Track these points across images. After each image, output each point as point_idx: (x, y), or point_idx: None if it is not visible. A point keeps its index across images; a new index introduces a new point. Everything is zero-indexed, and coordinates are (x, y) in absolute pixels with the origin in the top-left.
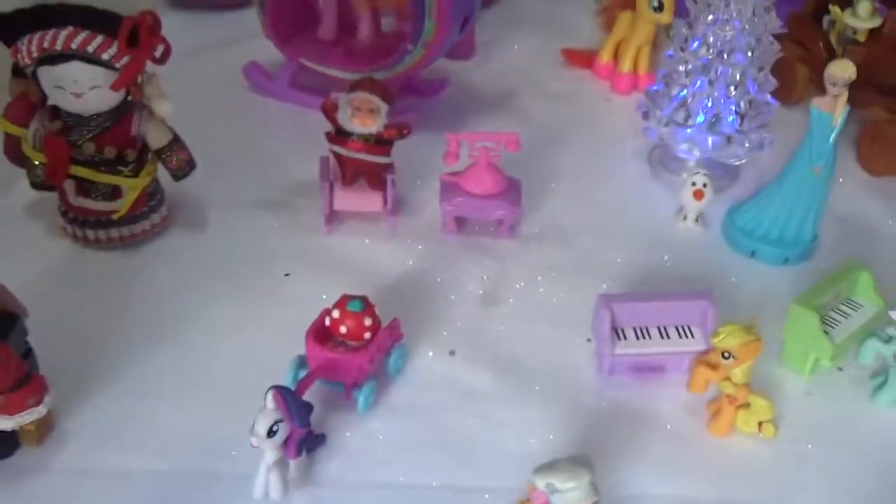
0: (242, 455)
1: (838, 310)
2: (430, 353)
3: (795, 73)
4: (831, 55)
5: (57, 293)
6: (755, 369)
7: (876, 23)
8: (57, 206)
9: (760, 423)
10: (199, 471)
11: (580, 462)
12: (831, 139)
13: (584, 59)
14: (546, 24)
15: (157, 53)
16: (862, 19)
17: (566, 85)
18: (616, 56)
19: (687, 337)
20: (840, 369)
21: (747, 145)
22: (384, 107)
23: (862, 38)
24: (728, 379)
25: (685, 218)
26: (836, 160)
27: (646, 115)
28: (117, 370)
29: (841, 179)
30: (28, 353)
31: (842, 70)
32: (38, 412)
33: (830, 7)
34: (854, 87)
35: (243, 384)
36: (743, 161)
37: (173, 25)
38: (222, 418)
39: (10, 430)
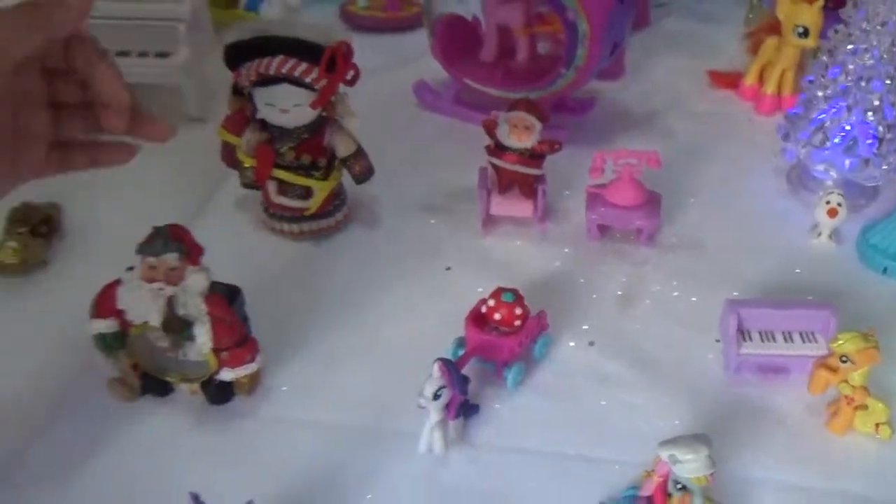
0: (409, 417)
1: None
2: (572, 343)
3: None
4: None
5: (258, 276)
6: (880, 378)
7: None
8: (259, 203)
9: (877, 425)
10: (373, 426)
11: (700, 438)
12: None
13: (729, 80)
14: (694, 46)
15: (349, 77)
16: None
17: (711, 105)
18: (761, 79)
19: (810, 342)
20: None
21: (884, 167)
22: (538, 125)
23: None
24: (846, 381)
25: (819, 234)
26: None
27: (785, 137)
28: (308, 341)
29: None
30: (245, 320)
31: None
32: (252, 368)
33: None
34: None
35: (410, 359)
36: (879, 183)
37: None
38: (393, 385)
39: (229, 380)
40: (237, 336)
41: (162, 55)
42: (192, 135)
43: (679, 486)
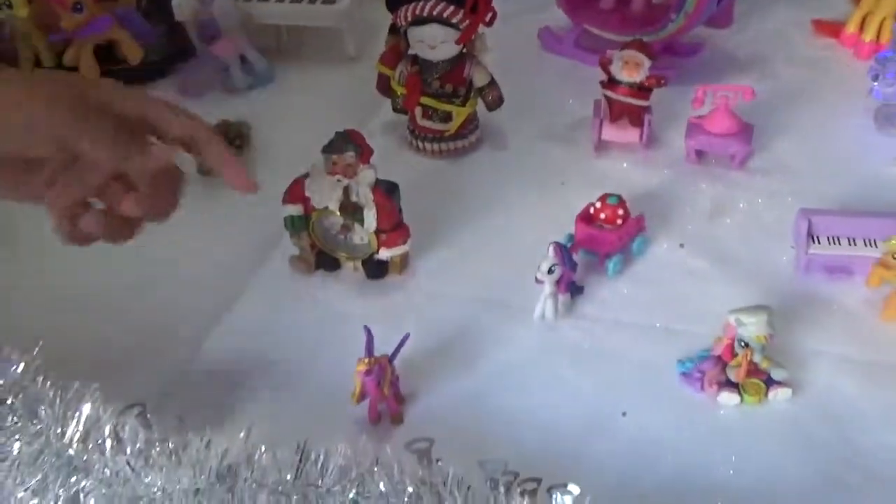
0: (528, 293)
1: None
2: (665, 244)
3: None
4: None
5: (404, 187)
6: None
7: None
8: (406, 126)
9: None
10: (499, 299)
11: (761, 307)
12: None
13: (832, 29)
14: None
15: (488, 18)
16: None
17: (813, 52)
18: (862, 27)
19: (871, 247)
20: None
21: None
22: (647, 62)
23: None
24: None
25: None
26: None
27: (875, 78)
28: (446, 235)
29: None
30: (400, 210)
31: None
32: (403, 249)
33: None
34: None
35: (530, 248)
36: None
37: None
38: (516, 267)
39: (385, 259)
40: (395, 221)
41: (328, 2)
42: (350, 72)
43: (743, 343)
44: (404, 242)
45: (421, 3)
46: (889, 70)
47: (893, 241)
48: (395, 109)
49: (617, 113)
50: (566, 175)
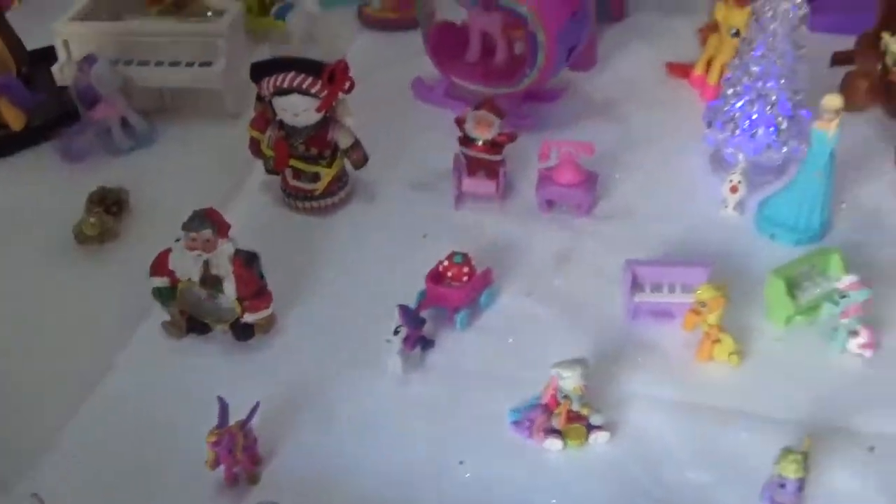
0: (385, 348)
1: (812, 280)
2: (513, 295)
3: (858, 87)
4: (886, 73)
5: (279, 242)
6: (744, 320)
7: None
8: (279, 185)
9: (730, 354)
10: (357, 355)
11: (577, 360)
12: (827, 153)
13: (683, 70)
14: (661, 38)
15: (346, 87)
16: None
17: (664, 93)
18: (707, 69)
19: (689, 292)
20: (810, 324)
21: (784, 150)
22: (497, 120)
23: None
24: (705, 321)
25: (726, 206)
26: (835, 166)
27: (708, 125)
28: (313, 292)
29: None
30: (262, 276)
31: (831, 102)
32: (266, 313)
33: (883, 34)
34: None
35: (388, 305)
36: (779, 164)
37: (365, 43)
38: (373, 324)
39: (251, 322)
40: (255, 289)
41: (205, 64)
42: (230, 129)
43: (563, 394)
44: (267, 307)
45: (282, 76)
46: (718, 119)
47: (699, 291)
48: (267, 171)
49: (474, 167)
50: (429, 227)
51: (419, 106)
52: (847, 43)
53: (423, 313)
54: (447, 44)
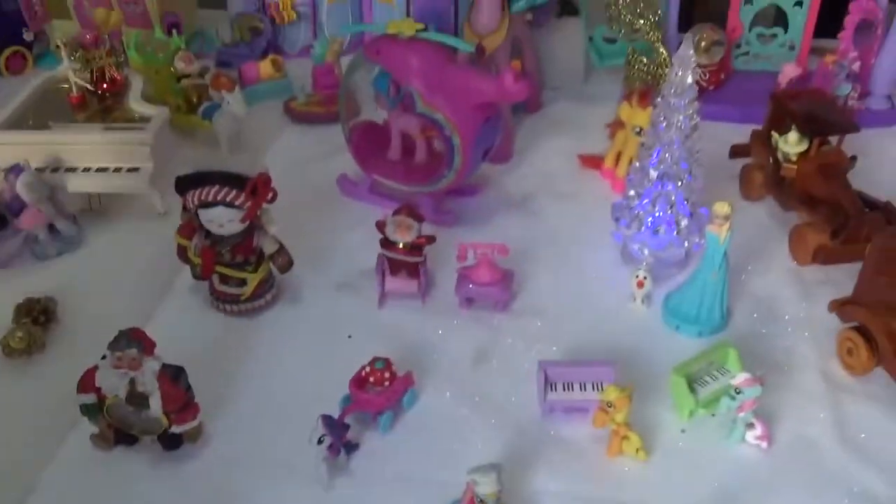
0: (307, 455)
1: (711, 374)
2: (434, 394)
3: (754, 178)
4: (776, 167)
5: (207, 344)
6: (652, 412)
7: (802, 148)
8: (208, 289)
9: (637, 450)
10: (283, 461)
11: (492, 466)
12: (721, 254)
13: (594, 162)
14: (574, 128)
15: (269, 197)
16: (791, 145)
17: (576, 186)
18: (616, 162)
19: (598, 390)
20: (713, 415)
21: (685, 246)
22: (416, 224)
23: (794, 158)
24: (613, 419)
25: (634, 299)
26: (728, 263)
27: (616, 220)
28: (241, 396)
29: (768, 268)
30: (188, 388)
31: (720, 209)
32: (193, 424)
33: (772, 133)
34: (787, 195)
35: (314, 409)
36: (682, 258)
37: (293, 137)
38: (299, 430)
39: (178, 433)
40: (181, 403)
41: (133, 169)
42: (159, 227)
43: (479, 499)
44: (194, 419)
45: (206, 189)
46: (624, 217)
47: (605, 392)
48: (194, 276)
49: (396, 268)
50: (354, 328)
51: (345, 201)
52: (745, 132)
53: (348, 417)
54: (369, 141)
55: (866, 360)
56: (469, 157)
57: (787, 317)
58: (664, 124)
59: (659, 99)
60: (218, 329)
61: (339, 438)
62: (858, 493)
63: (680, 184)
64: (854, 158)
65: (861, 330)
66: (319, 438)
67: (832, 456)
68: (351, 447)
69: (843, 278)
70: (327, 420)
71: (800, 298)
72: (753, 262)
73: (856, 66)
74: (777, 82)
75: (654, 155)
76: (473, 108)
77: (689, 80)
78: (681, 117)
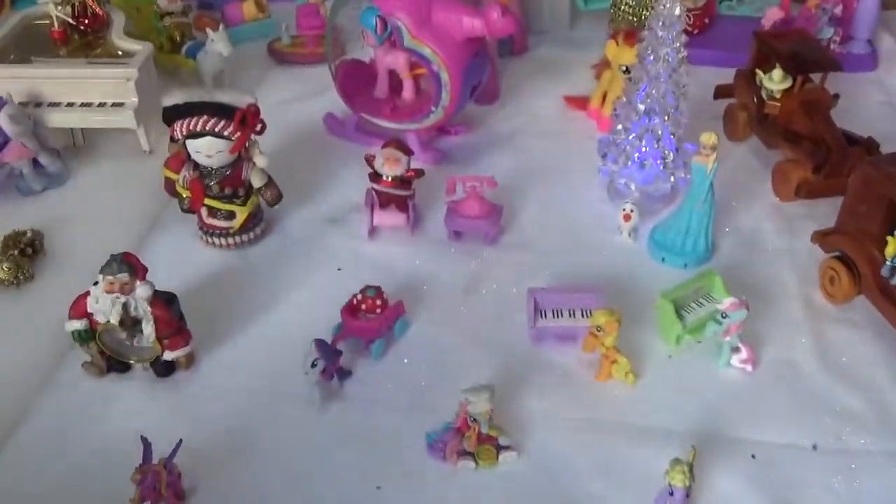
0: (304, 380)
1: (697, 301)
2: (424, 324)
3: (738, 118)
4: (760, 106)
5: (196, 278)
6: (640, 340)
7: (786, 85)
8: (196, 222)
9: (626, 373)
10: (276, 388)
11: (484, 386)
12: (707, 185)
13: (580, 103)
14: (561, 71)
15: (258, 129)
16: (775, 83)
17: (562, 125)
18: (603, 102)
19: (587, 316)
20: (698, 342)
21: (672, 180)
22: (404, 157)
23: (778, 95)
24: (602, 343)
25: (621, 233)
26: (714, 195)
27: (603, 156)
28: (232, 328)
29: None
30: (181, 316)
31: (707, 139)
32: (186, 350)
33: (756, 70)
34: (770, 132)
35: (307, 337)
36: (668, 193)
37: (278, 78)
38: (293, 358)
39: (171, 359)
40: (174, 328)
41: (117, 104)
42: (145, 166)
43: (472, 418)
44: (186, 345)
45: (194, 119)
46: (610, 152)
47: (595, 316)
48: (183, 210)
49: (385, 201)
50: (343, 261)
51: (332, 140)
52: (727, 76)
53: (340, 344)
54: (356, 80)
55: (848, 289)
56: (456, 94)
57: (770, 249)
58: (651, 57)
59: (646, 32)
60: (208, 262)
61: (332, 364)
62: (840, 412)
63: (666, 118)
64: (836, 96)
65: (843, 259)
66: (313, 362)
67: (814, 378)
68: (344, 374)
69: (825, 213)
70: (320, 344)
71: (783, 232)
72: (737, 198)
73: (838, 9)
74: (760, 25)
75: (642, 89)
76: (461, 43)
77: (677, 11)
78: (668, 51)
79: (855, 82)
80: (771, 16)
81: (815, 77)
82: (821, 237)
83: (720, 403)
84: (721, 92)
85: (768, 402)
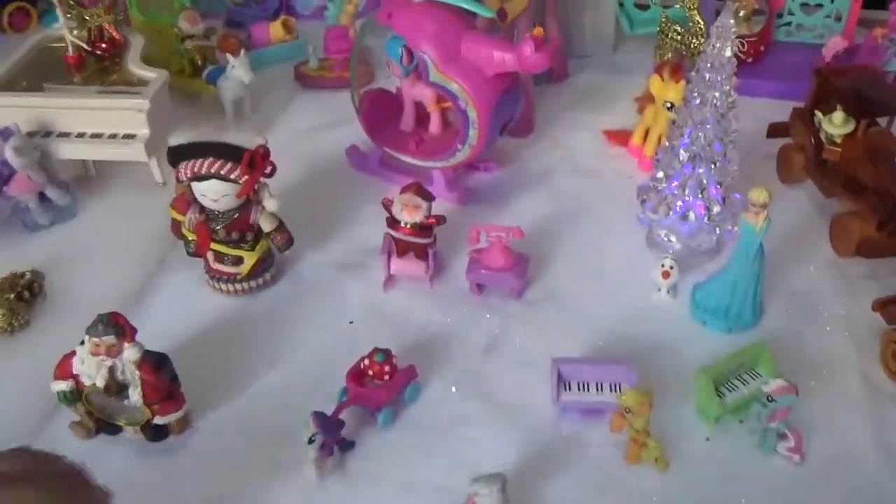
0: (305, 448)
1: (740, 377)
2: (438, 388)
3: (793, 160)
4: (819, 149)
5: (201, 326)
6: (676, 416)
7: (848, 129)
8: (203, 266)
9: (656, 459)
10: (272, 456)
11: (495, 477)
12: (756, 244)
13: (621, 138)
14: (602, 100)
15: (268, 171)
16: (836, 126)
17: (600, 162)
18: (645, 138)
19: (616, 391)
20: (741, 422)
21: (717, 233)
22: (425, 203)
23: (839, 140)
24: (631, 426)
25: (658, 290)
26: (764, 255)
27: (642, 203)
28: (234, 386)
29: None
30: (173, 378)
31: (758, 196)
32: (178, 415)
33: (815, 111)
34: (829, 180)
35: (311, 402)
36: (711, 246)
37: (303, 104)
38: (295, 422)
39: (162, 424)
40: (163, 393)
41: (129, 136)
42: (157, 198)
43: None
44: (178, 409)
45: (199, 161)
46: (649, 200)
47: (624, 397)
48: (188, 253)
49: (403, 249)
50: (356, 312)
51: (354, 174)
52: (783, 109)
53: (344, 413)
54: (381, 110)
55: None
56: (485, 132)
57: (826, 314)
58: (698, 101)
59: (693, 73)
60: (213, 309)
61: (333, 437)
62: None
63: (713, 167)
64: None
65: None
66: (311, 438)
67: (872, 471)
68: (346, 445)
69: (889, 273)
70: (319, 418)
71: (840, 294)
72: (790, 252)
73: None
74: (821, 55)
75: (686, 135)
76: (490, 79)
77: (728, 53)
78: (716, 94)
79: None
80: (833, 45)
81: (882, 120)
82: (883, 305)
83: (763, 498)
84: (775, 130)
85: (819, 499)
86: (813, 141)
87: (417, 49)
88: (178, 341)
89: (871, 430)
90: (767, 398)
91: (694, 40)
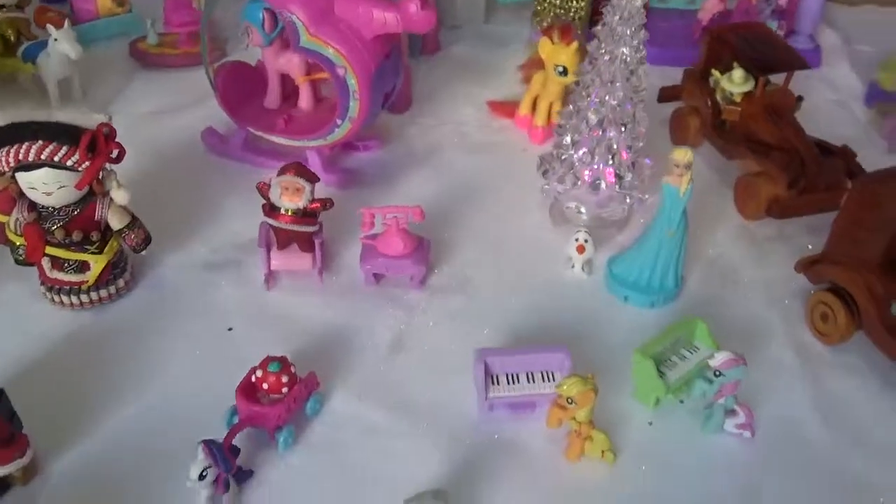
0: (182, 490)
1: (678, 354)
2: (342, 398)
3: (688, 124)
4: (716, 111)
5: (40, 349)
6: (611, 402)
7: (748, 87)
8: (38, 277)
9: (603, 452)
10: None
11: (438, 495)
12: (680, 209)
13: (506, 110)
14: (479, 72)
15: (114, 155)
16: (736, 84)
17: (489, 136)
18: (533, 109)
19: (550, 381)
20: (681, 402)
21: (628, 201)
22: (308, 185)
23: (738, 99)
24: (573, 418)
25: (573, 266)
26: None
27: (545, 174)
28: (89, 419)
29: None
30: (12, 416)
31: (681, 156)
32: (22, 463)
33: (712, 70)
34: (730, 141)
35: (193, 425)
36: (623, 216)
37: (143, 86)
38: (170, 457)
39: (2, 475)
40: (2, 437)
41: None
42: None
43: None
44: (21, 455)
45: (25, 146)
46: (553, 170)
47: (565, 386)
48: (17, 262)
49: (284, 240)
50: (235, 317)
51: (214, 161)
52: (663, 75)
53: (237, 437)
54: (240, 87)
55: (845, 326)
56: (367, 103)
57: (745, 280)
58: (607, 58)
59: (599, 26)
60: (54, 328)
61: (227, 468)
62: (851, 484)
63: (623, 129)
64: (800, 99)
65: (836, 291)
66: (202, 473)
67: (820, 439)
68: (242, 476)
69: (797, 232)
70: (210, 447)
71: (754, 258)
72: (695, 219)
73: (783, 0)
74: (698, 19)
75: (594, 95)
76: (370, 42)
77: (638, 2)
78: (625, 50)
79: (800, 81)
80: (710, 8)
81: (778, 80)
82: (807, 266)
83: (720, 481)
84: (667, 94)
85: (774, 474)
86: (709, 103)
87: (284, 11)
88: (12, 371)
89: (810, 398)
90: (715, 373)
91: (573, 3)
